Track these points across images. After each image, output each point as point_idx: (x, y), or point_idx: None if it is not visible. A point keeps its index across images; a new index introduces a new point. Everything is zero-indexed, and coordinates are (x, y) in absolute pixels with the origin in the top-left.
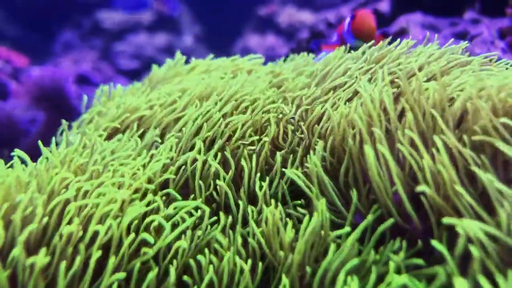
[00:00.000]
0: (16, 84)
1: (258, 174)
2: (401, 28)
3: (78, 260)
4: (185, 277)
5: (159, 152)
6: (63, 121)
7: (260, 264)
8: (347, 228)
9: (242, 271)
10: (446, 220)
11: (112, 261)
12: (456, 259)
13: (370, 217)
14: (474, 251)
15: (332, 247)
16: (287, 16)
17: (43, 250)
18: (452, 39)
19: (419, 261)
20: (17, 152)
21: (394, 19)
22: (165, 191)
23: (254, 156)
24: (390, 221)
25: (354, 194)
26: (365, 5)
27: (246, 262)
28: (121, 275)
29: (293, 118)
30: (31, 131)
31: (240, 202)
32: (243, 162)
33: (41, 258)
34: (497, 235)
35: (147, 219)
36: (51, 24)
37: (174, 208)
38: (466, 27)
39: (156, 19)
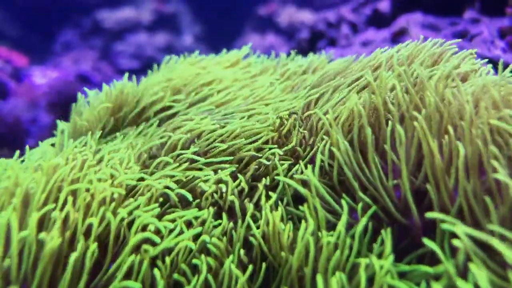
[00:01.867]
0: (17, 84)
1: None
2: (401, 28)
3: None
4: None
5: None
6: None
7: (261, 267)
8: (339, 229)
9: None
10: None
11: (131, 258)
12: (460, 261)
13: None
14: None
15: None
16: (287, 15)
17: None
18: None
19: (419, 267)
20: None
21: (394, 19)
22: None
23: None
24: (373, 209)
25: (344, 203)
26: (365, 5)
27: (247, 264)
28: (137, 285)
29: (295, 113)
30: (32, 131)
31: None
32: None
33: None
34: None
35: (145, 219)
36: (51, 24)
37: (178, 217)
38: (466, 26)
39: (156, 19)
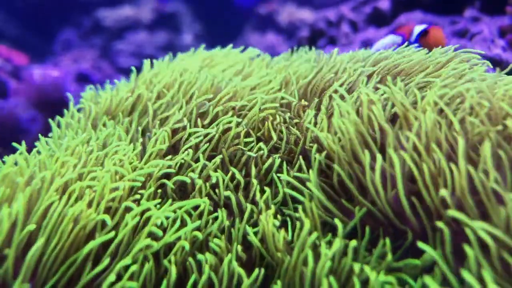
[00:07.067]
0: (17, 83)
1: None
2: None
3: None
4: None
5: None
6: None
7: (262, 270)
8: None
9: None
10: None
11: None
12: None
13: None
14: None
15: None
16: (287, 14)
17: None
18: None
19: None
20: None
21: (394, 17)
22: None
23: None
24: (363, 210)
25: (338, 223)
26: (365, 4)
27: (244, 261)
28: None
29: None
30: (32, 130)
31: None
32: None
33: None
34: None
35: (147, 214)
36: (51, 23)
37: (179, 208)
38: (466, 25)
39: (156, 17)
